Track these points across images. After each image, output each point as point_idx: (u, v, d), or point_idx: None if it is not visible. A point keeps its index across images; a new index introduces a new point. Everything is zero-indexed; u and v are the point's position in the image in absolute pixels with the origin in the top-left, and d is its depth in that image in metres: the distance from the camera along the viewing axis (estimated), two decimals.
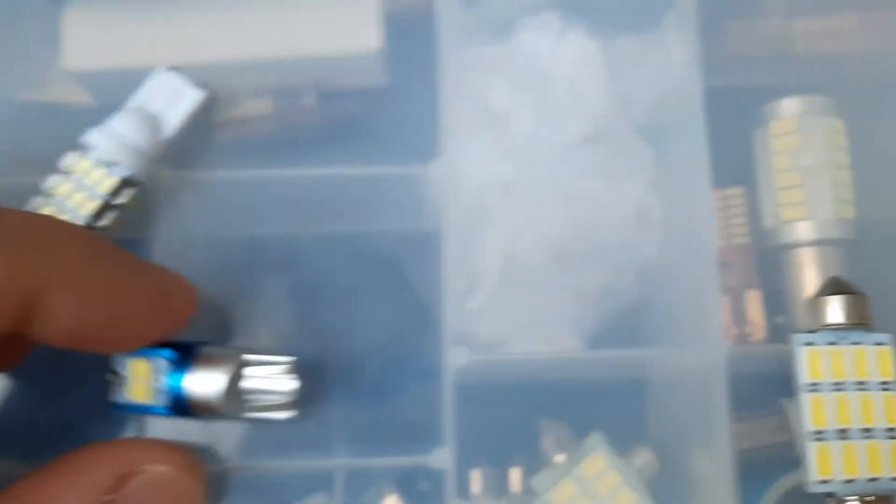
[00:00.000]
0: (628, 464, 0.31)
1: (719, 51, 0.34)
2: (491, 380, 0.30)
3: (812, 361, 0.25)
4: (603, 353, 0.31)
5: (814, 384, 0.25)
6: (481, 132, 0.29)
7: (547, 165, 0.29)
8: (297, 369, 0.23)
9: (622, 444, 0.31)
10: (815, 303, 0.26)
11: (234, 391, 0.23)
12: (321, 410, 0.28)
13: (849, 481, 0.25)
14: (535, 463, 0.31)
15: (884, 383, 0.26)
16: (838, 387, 0.25)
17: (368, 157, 0.30)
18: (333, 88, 0.31)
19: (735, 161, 0.34)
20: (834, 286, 0.27)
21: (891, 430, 0.25)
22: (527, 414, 0.31)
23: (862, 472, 0.25)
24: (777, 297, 0.32)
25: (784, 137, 0.33)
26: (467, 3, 0.31)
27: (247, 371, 0.23)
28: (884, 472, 0.25)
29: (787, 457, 0.28)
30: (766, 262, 0.33)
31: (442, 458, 0.28)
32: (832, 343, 0.26)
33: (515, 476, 0.32)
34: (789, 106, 0.33)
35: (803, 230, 0.32)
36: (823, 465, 0.25)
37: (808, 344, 0.25)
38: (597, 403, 0.31)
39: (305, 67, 0.30)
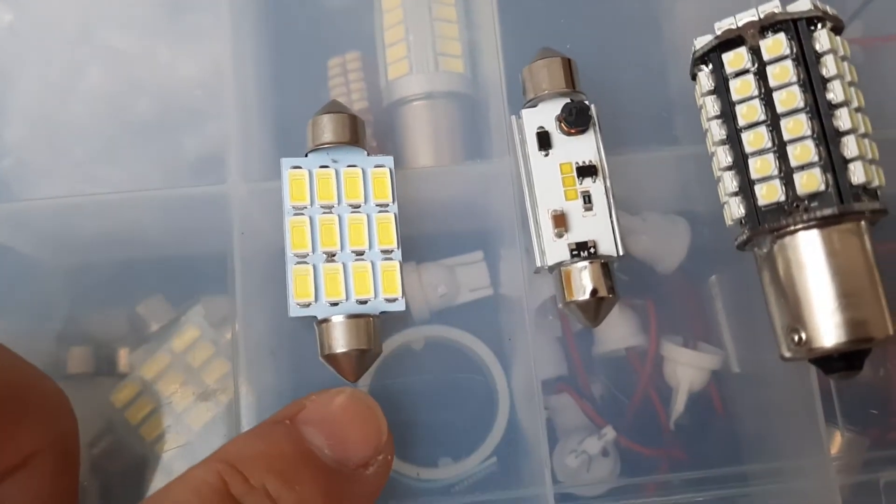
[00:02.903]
0: (222, 335, 0.30)
1: None
2: None
3: (295, 186, 0.24)
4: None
5: (297, 208, 0.24)
6: None
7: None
8: None
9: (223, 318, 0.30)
10: (312, 122, 0.25)
11: None
12: None
13: (334, 304, 0.24)
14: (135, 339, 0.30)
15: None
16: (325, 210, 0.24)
17: None
18: None
19: (352, 28, 0.33)
20: (329, 106, 0.25)
21: (360, 252, 0.24)
22: (125, 288, 0.31)
23: (344, 295, 0.24)
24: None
25: None
26: None
27: None
28: (369, 293, 0.24)
29: None
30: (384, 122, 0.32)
31: None
32: (324, 167, 0.25)
33: (123, 356, 0.31)
34: None
35: (408, 85, 0.31)
36: (303, 287, 0.24)
37: (295, 168, 0.24)
38: (195, 278, 0.31)
39: None
